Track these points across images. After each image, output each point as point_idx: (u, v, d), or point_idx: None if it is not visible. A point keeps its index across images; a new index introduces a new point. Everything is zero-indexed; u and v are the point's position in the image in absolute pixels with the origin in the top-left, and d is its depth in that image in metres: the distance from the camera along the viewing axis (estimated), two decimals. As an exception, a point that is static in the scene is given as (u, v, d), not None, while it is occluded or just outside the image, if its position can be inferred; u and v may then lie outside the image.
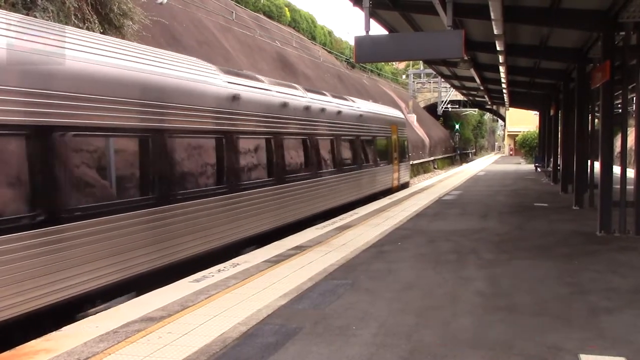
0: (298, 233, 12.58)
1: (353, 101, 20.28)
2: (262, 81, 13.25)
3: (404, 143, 26.40)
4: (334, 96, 18.40)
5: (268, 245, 11.07)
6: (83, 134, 7.45)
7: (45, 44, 7.05)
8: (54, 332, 5.98)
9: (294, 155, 14.01)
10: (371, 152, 20.78)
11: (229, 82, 11.29)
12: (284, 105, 13.58)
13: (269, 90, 13.13)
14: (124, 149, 8.37)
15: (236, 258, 9.84)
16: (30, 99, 6.65)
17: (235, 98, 11.27)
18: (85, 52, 7.70)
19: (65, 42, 7.41)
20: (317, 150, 15.54)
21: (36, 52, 6.85)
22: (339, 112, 17.57)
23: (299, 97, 14.82)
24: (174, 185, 9.21)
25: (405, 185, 26.53)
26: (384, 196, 21.30)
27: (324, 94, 17.53)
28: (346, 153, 18.04)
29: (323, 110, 16.18)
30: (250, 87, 12.19)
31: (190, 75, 10.00)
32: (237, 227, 11.14)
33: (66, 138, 7.12)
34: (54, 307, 6.91)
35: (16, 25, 6.82)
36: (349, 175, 18.18)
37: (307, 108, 15.01)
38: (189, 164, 9.71)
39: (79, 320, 6.60)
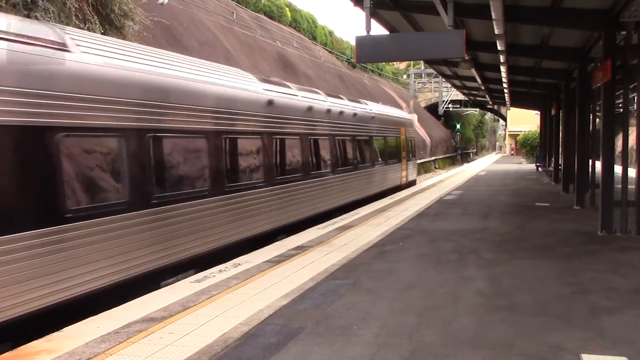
0: (299, 233, 12.58)
1: (366, 104, 21.69)
2: (290, 87, 14.67)
3: (411, 143, 27.58)
4: (350, 100, 19.99)
5: (269, 246, 11.08)
6: (175, 135, 9.25)
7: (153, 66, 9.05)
8: (55, 333, 5.99)
9: (317, 154, 15.43)
10: (382, 151, 22.00)
11: (265, 89, 12.69)
12: (309, 109, 14.94)
13: (296, 95, 14.49)
14: (200, 149, 9.96)
15: (237, 258, 9.84)
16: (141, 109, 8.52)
17: (270, 103, 12.65)
18: (179, 71, 9.64)
19: (161, 62, 9.38)
20: (337, 150, 16.91)
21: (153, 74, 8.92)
22: (355, 115, 18.83)
23: (321, 101, 16.21)
24: (228, 178, 10.79)
25: (412, 183, 27.64)
26: (393, 193, 22.59)
27: (342, 98, 19.03)
28: (361, 152, 19.31)
29: (341, 112, 17.54)
30: (282, 93, 13.56)
31: (240, 85, 11.63)
32: (278, 215, 12.80)
33: (171, 139, 9.18)
34: (153, 272, 8.60)
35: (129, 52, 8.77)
36: (364, 173, 19.51)
37: (328, 111, 16.37)
38: (238, 160, 11.33)
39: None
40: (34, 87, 6.76)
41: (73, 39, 7.74)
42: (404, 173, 25.63)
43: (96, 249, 7.53)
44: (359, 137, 19.07)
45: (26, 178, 6.65)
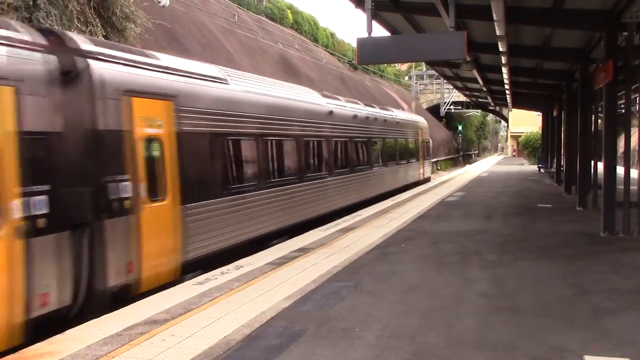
0: (301, 235, 12.59)
1: (392, 111, 26.10)
2: (340, 100, 18.85)
3: (427, 144, 31.88)
4: (381, 108, 24.68)
5: (271, 248, 11.09)
6: (278, 139, 13.22)
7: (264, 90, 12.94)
8: (58, 335, 6.00)
9: (359, 153, 19.51)
10: (405, 151, 25.99)
11: (326, 103, 16.82)
12: (354, 116, 18.95)
13: (345, 106, 18.52)
14: (291, 147, 13.99)
15: (239, 260, 9.84)
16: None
17: (330, 113, 16.69)
18: (280, 93, 13.85)
19: (270, 86, 13.57)
20: (373, 149, 21.18)
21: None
22: (385, 120, 22.88)
23: (361, 110, 20.25)
24: (307, 170, 14.87)
25: (427, 179, 31.36)
26: (413, 187, 26.30)
27: (374, 107, 23.36)
28: (390, 152, 23.41)
29: (375, 119, 21.49)
30: (336, 104, 17.66)
31: (312, 100, 15.90)
32: (341, 198, 17.29)
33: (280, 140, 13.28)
34: (271, 233, 12.61)
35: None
36: (392, 169, 23.69)
37: (366, 118, 20.32)
38: (313, 156, 15.59)
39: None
40: (217, 108, 10.60)
41: (227, 74, 11.70)
42: (421, 170, 29.79)
43: (246, 213, 11.50)
44: (388, 139, 23.12)
45: (216, 165, 10.53)
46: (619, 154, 15.74)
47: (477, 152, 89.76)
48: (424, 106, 68.65)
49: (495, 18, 10.97)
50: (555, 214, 15.67)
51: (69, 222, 7.17)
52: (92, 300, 7.50)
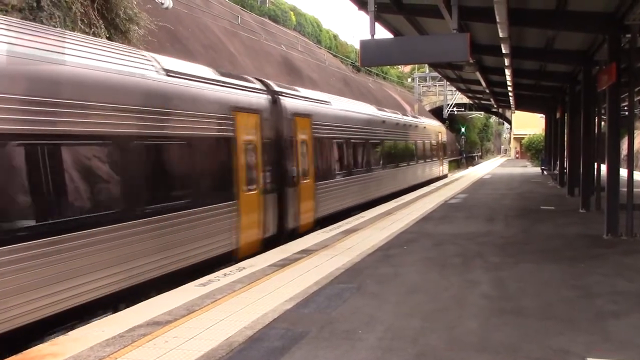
0: (304, 237, 12.59)
1: (419, 118, 33.03)
2: (386, 110, 25.04)
3: (445, 145, 38.28)
4: (412, 116, 32.63)
5: (274, 249, 11.08)
6: (355, 142, 18.24)
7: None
8: (60, 337, 6.01)
9: (401, 152, 24.98)
10: (429, 151, 31.65)
11: (380, 114, 22.83)
12: (397, 124, 24.75)
13: (390, 115, 24.58)
14: (363, 148, 19.43)
15: (242, 262, 9.85)
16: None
17: (383, 122, 22.45)
18: (353, 107, 19.62)
19: (347, 103, 19.29)
20: (409, 149, 26.73)
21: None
22: (416, 126, 29.05)
23: (401, 118, 26.40)
24: (370, 164, 19.94)
25: (445, 176, 36.70)
26: (435, 182, 31.07)
27: (407, 115, 30.72)
28: (420, 151, 29.02)
29: (410, 125, 27.45)
30: (386, 114, 23.93)
31: (371, 112, 21.59)
32: (391, 186, 22.94)
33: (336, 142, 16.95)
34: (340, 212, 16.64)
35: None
36: (422, 165, 29.70)
37: (404, 124, 26.25)
38: (374, 154, 20.69)
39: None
40: (328, 122, 16.06)
41: (330, 98, 17.56)
42: (441, 167, 35.71)
43: (342, 191, 16.48)
44: (418, 141, 28.73)
45: (329, 158, 15.97)
46: (622, 156, 15.72)
47: (480, 154, 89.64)
48: (427, 108, 68.58)
49: (498, 20, 10.97)
50: (558, 216, 15.64)
51: (276, 189, 12.66)
52: (283, 233, 12.94)
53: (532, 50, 17.55)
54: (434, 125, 35.13)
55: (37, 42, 7.10)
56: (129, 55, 8.88)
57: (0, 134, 6.30)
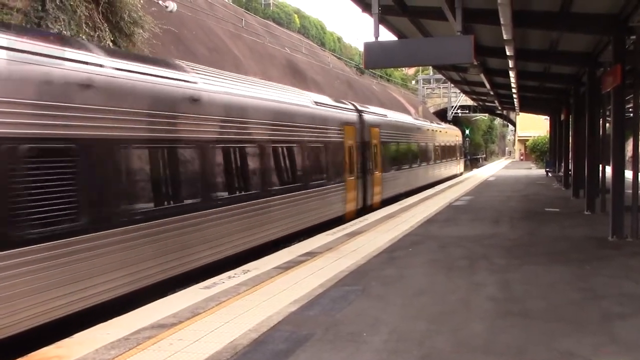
0: (308, 239, 12.58)
1: (440, 124, 40.94)
2: (420, 119, 34.62)
3: (460, 147, 45.39)
4: (437, 123, 40.03)
5: (278, 252, 11.07)
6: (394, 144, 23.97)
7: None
8: (65, 339, 6.01)
9: (431, 152, 31.25)
10: (448, 152, 37.55)
11: (416, 121, 30.48)
12: (428, 129, 31.63)
13: (424, 123, 32.28)
14: (408, 149, 26.24)
15: (246, 265, 9.84)
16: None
17: (418, 128, 29.00)
18: (406, 120, 28.14)
19: (396, 115, 27.58)
20: (437, 150, 33.18)
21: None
22: (440, 131, 35.64)
23: (429, 125, 33.85)
24: (412, 161, 26.21)
25: (462, 173, 43.75)
26: (453, 179, 35.92)
27: (429, 122, 36.42)
28: (441, 152, 34.65)
29: (437, 130, 34.42)
30: (420, 122, 31.64)
31: (411, 121, 29.20)
32: (428, 178, 29.81)
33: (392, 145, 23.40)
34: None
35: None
36: (446, 163, 36.56)
37: (433, 130, 33.31)
38: (413, 153, 26.62)
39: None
40: (388, 129, 22.21)
41: (386, 111, 24.62)
42: (458, 167, 42.47)
43: (399, 181, 23.44)
44: (439, 144, 34.21)
45: (390, 156, 22.39)
46: (627, 157, 15.66)
47: (484, 156, 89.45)
48: (431, 110, 68.51)
49: (502, 22, 10.95)
50: (563, 218, 15.60)
51: (361, 176, 18.33)
52: (365, 208, 18.40)
53: (537, 52, 17.52)
54: (454, 130, 43.25)
55: (274, 92, 13.45)
56: (299, 94, 15.48)
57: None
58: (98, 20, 15.55)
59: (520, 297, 7.52)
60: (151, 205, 8.74)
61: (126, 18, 16.57)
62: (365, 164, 18.89)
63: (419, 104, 62.45)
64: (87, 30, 14.79)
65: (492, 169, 49.93)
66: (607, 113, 16.97)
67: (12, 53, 6.60)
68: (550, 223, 14.63)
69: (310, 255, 10.58)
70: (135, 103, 8.38)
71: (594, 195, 16.84)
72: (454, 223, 14.81)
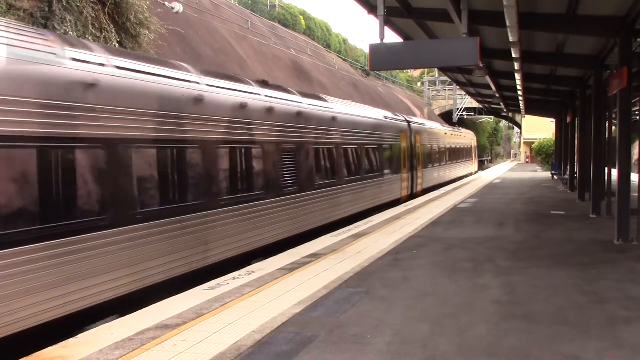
0: (313, 241, 12.57)
1: (460, 129, 44.68)
2: (445, 125, 40.69)
3: (476, 149, 51.37)
4: (457, 128, 44.10)
5: (282, 253, 11.08)
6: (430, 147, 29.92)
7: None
8: (70, 339, 6.02)
9: (454, 153, 36.27)
10: (464, 154, 42.60)
11: (443, 127, 36.25)
12: (452, 134, 37.24)
13: (449, 129, 37.95)
14: (440, 150, 32.41)
15: (251, 266, 9.85)
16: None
17: (446, 133, 34.76)
18: (435, 127, 34.10)
19: (425, 121, 34.35)
20: (457, 152, 38.44)
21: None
22: (460, 135, 40.94)
23: (453, 130, 38.58)
24: (441, 160, 32.21)
25: (477, 172, 50.06)
26: (468, 177, 40.85)
27: (450, 127, 40.98)
28: (459, 154, 39.66)
29: (458, 135, 39.79)
30: (446, 128, 37.43)
31: (441, 127, 35.33)
32: (452, 174, 35.92)
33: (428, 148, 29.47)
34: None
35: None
36: (464, 162, 42.14)
37: (455, 134, 38.14)
38: (440, 154, 32.01)
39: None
40: (423, 133, 27.91)
41: (424, 120, 34.96)
42: (473, 166, 48.49)
43: (434, 175, 30.18)
44: (459, 147, 39.58)
45: (426, 156, 27.82)
46: (633, 161, 15.62)
47: (490, 158, 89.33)
48: (437, 112, 68.50)
49: (508, 24, 10.93)
50: (568, 221, 15.56)
51: (409, 171, 24.06)
52: (412, 195, 24.27)
53: (543, 55, 17.48)
54: (470, 134, 49.23)
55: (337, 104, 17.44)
56: (376, 111, 21.39)
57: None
58: (104, 21, 15.61)
59: (525, 300, 7.50)
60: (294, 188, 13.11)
61: (132, 19, 16.63)
62: (412, 162, 24.84)
63: (425, 106, 62.41)
64: (93, 31, 14.85)
65: (497, 172, 49.82)
66: (613, 116, 16.93)
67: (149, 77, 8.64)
68: (555, 226, 14.59)
69: (315, 256, 10.58)
70: (285, 117, 12.85)
71: (600, 198, 16.79)
72: (459, 225, 14.79)
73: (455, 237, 12.88)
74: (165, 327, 6.36)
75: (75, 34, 14.07)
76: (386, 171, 20.47)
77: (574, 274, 9.01)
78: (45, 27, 13.84)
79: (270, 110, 12.02)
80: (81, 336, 6.13)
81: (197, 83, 9.71)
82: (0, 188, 6.19)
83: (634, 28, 11.87)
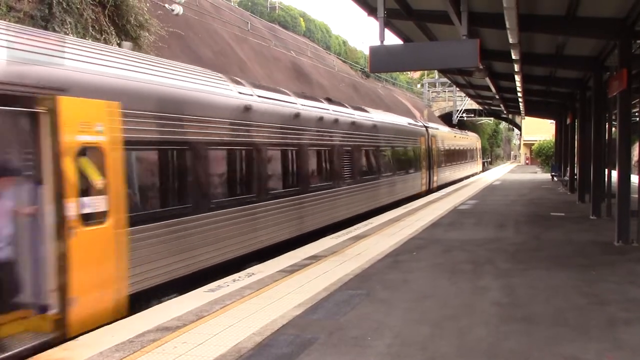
0: (313, 243, 12.57)
1: (467, 133, 47.78)
2: (456, 129, 45.24)
3: (480, 150, 54.86)
4: (464, 132, 46.68)
5: (282, 255, 11.07)
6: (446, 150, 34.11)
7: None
8: (70, 342, 6.03)
9: (462, 155, 39.86)
10: (471, 154, 45.88)
11: (453, 131, 39.95)
12: (461, 137, 40.87)
13: (458, 132, 42.27)
14: (458, 153, 38.75)
15: (251, 268, 9.85)
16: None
17: (455, 136, 38.06)
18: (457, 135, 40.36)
19: (445, 128, 39.77)
20: (465, 153, 41.71)
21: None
22: (466, 138, 43.92)
23: (461, 133, 42.98)
24: (451, 161, 35.32)
25: (481, 171, 53.90)
26: (474, 176, 44.27)
27: (459, 131, 44.40)
28: (467, 154, 42.81)
29: (466, 138, 43.29)
30: (456, 132, 41.48)
31: (450, 131, 38.99)
32: (458, 173, 38.22)
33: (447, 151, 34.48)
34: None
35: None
36: (471, 163, 45.34)
37: (463, 137, 41.97)
38: (452, 155, 35.80)
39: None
40: (442, 139, 32.57)
41: (437, 126, 35.83)
42: (478, 166, 51.89)
43: (454, 169, 36.57)
44: (466, 148, 42.83)
45: (447, 157, 34.04)
46: (633, 162, 15.62)
47: (489, 160, 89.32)
48: (437, 114, 68.51)
49: (508, 26, 10.94)
50: (568, 222, 15.56)
51: (427, 169, 27.42)
52: (430, 189, 27.47)
53: (542, 56, 17.49)
54: (475, 136, 53.15)
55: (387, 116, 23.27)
56: (401, 118, 25.46)
57: None
58: (104, 23, 15.64)
59: (525, 302, 7.51)
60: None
61: (132, 21, 16.66)
62: (430, 161, 28.04)
63: (424, 108, 62.44)
64: (93, 33, 14.86)
65: (497, 173, 49.81)
66: (613, 117, 16.93)
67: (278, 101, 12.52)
68: (555, 227, 14.59)
69: (315, 258, 10.58)
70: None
71: (600, 199, 16.79)
72: (459, 227, 14.79)
73: (455, 238, 12.88)
74: (166, 329, 6.37)
75: (75, 36, 14.09)
76: (411, 170, 24.16)
77: (573, 276, 9.02)
78: (45, 28, 13.86)
79: (336, 121, 15.56)
80: (81, 338, 6.13)
81: (295, 104, 13.31)
82: (209, 176, 9.53)
83: (633, 30, 11.89)
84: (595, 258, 10.55)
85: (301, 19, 49.47)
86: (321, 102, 15.63)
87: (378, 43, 10.78)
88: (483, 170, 67.23)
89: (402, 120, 24.96)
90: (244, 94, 10.94)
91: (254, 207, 10.84)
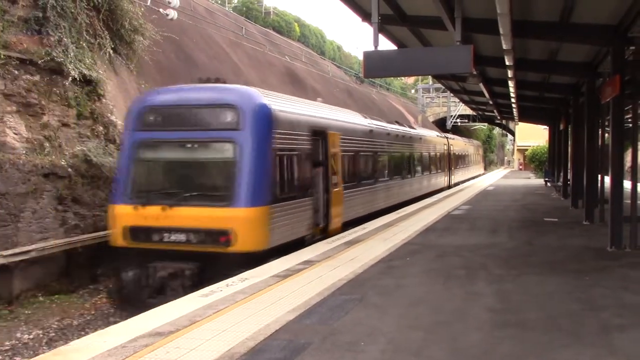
0: (308, 247, 12.55)
1: (471, 140, 54.52)
2: (465, 137, 54.13)
3: (483, 155, 62.33)
4: (469, 139, 55.73)
5: (276, 260, 11.03)
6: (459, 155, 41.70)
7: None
8: (62, 347, 5.99)
9: (467, 158, 46.26)
10: (474, 159, 50.25)
11: (461, 139, 46.94)
12: (465, 143, 46.38)
13: (467, 140, 51.05)
14: (466, 155, 45.75)
15: (244, 273, 9.81)
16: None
17: (465, 143, 45.80)
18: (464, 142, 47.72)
19: (455, 136, 46.71)
20: (471, 158, 47.71)
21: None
22: (471, 144, 50.47)
23: (467, 140, 50.35)
24: (461, 164, 42.09)
25: (484, 173, 59.33)
26: (477, 178, 48.68)
27: (467, 139, 52.60)
28: (472, 158, 48.08)
29: (470, 144, 49.79)
30: (464, 139, 49.73)
31: (459, 138, 45.47)
32: (466, 174, 44.74)
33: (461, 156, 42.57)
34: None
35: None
36: (475, 165, 50.81)
37: (468, 144, 48.65)
38: (462, 159, 42.90)
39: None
40: (456, 147, 39.93)
41: (452, 137, 41.61)
42: (482, 170, 58.06)
43: (465, 170, 44.51)
44: (475, 153, 49.76)
45: (461, 160, 42.68)
46: (626, 168, 15.68)
47: (483, 165, 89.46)
48: (431, 119, 68.54)
49: (501, 32, 10.97)
50: (561, 228, 15.59)
51: (447, 170, 34.54)
52: (450, 186, 34.86)
53: (536, 62, 17.56)
54: (478, 143, 59.52)
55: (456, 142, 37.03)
56: (430, 131, 35.73)
57: None
58: (99, 27, 15.60)
59: (518, 308, 7.51)
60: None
61: (127, 26, 16.62)
62: (449, 164, 34.76)
63: (419, 113, 62.51)
64: (87, 37, 14.82)
65: (491, 178, 49.90)
66: (606, 123, 16.99)
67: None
68: (548, 233, 14.62)
69: (308, 263, 10.55)
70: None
71: (593, 205, 16.83)
72: (452, 232, 14.80)
73: (448, 244, 12.89)
74: (158, 335, 6.33)
75: (69, 40, 14.05)
76: (439, 170, 31.85)
77: (567, 281, 9.03)
78: (39, 33, 13.82)
79: (403, 136, 23.56)
80: (73, 343, 6.10)
81: (386, 127, 21.47)
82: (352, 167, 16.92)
83: (626, 36, 11.95)
84: (588, 263, 10.57)
85: (296, 24, 49.50)
86: (393, 124, 24.03)
87: (372, 48, 10.80)
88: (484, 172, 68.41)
89: (433, 133, 34.16)
90: (368, 122, 19.04)
91: (373, 186, 18.75)
